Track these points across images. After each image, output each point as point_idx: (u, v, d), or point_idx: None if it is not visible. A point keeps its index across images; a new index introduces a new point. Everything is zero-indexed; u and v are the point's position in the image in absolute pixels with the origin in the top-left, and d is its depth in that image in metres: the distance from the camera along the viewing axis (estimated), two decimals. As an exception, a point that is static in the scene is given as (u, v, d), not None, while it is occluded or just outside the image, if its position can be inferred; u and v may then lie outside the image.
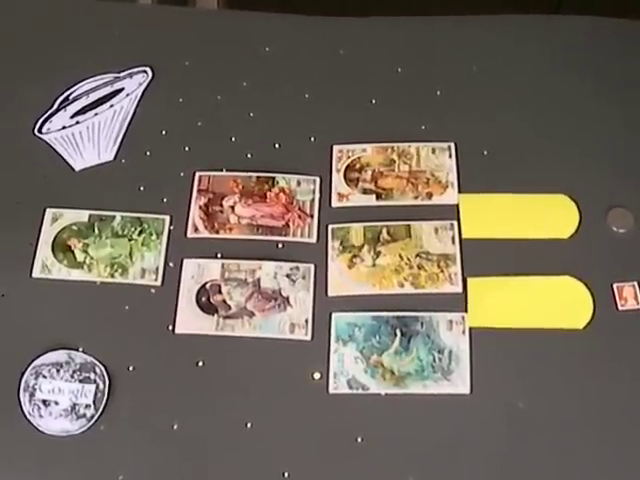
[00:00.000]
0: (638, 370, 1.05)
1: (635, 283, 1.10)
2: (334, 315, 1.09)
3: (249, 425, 1.03)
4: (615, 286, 1.10)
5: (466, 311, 1.08)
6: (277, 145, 1.20)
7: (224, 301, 1.10)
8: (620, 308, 1.09)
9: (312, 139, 1.21)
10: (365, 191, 1.17)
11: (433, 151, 1.19)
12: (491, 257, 1.11)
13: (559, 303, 1.09)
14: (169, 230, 1.14)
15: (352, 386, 1.05)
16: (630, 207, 1.14)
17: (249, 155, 1.20)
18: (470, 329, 1.07)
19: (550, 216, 1.14)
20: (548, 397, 1.04)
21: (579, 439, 1.02)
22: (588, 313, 1.08)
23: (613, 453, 1.01)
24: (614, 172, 1.17)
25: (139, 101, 1.24)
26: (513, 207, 1.15)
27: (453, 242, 1.12)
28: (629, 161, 1.18)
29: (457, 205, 1.15)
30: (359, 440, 1.02)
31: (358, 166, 1.18)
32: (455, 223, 1.13)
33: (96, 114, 1.23)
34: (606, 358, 1.06)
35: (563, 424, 1.03)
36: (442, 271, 1.10)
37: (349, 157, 1.19)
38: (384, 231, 1.13)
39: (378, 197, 1.16)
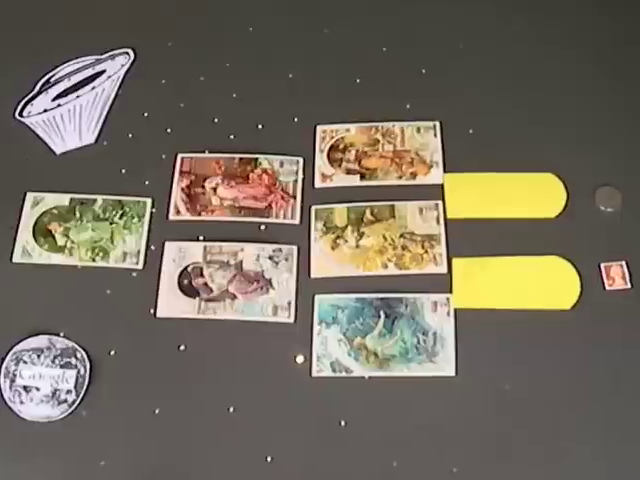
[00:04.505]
0: (625, 350, 1.04)
1: (623, 263, 1.08)
2: (317, 297, 1.07)
3: (231, 409, 1.02)
4: (602, 266, 1.08)
5: (451, 292, 1.07)
6: (260, 126, 1.19)
7: (206, 284, 1.08)
8: (607, 288, 1.07)
9: (296, 119, 1.19)
10: (349, 171, 1.15)
11: (418, 130, 1.17)
12: (477, 237, 1.10)
13: (546, 283, 1.07)
14: (151, 213, 1.13)
15: (335, 369, 1.03)
16: (618, 186, 1.12)
17: (232, 136, 1.18)
18: (455, 310, 1.06)
19: (536, 195, 1.12)
20: (535, 378, 1.03)
21: (567, 420, 1.01)
22: (575, 293, 1.07)
23: (601, 433, 1.00)
24: (602, 150, 1.15)
25: (121, 83, 1.23)
26: (499, 186, 1.12)
27: (438, 222, 1.10)
28: (617, 139, 1.16)
29: (442, 185, 1.13)
30: (342, 424, 1.01)
31: (342, 146, 1.16)
32: (440, 203, 1.12)
33: (78, 97, 1.21)
34: (594, 338, 1.04)
35: (550, 405, 1.02)
36: (426, 252, 1.09)
37: (333, 137, 1.17)
38: (368, 212, 1.11)
39: (362, 177, 1.14)
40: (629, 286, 1.07)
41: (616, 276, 1.08)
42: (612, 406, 1.01)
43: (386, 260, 1.09)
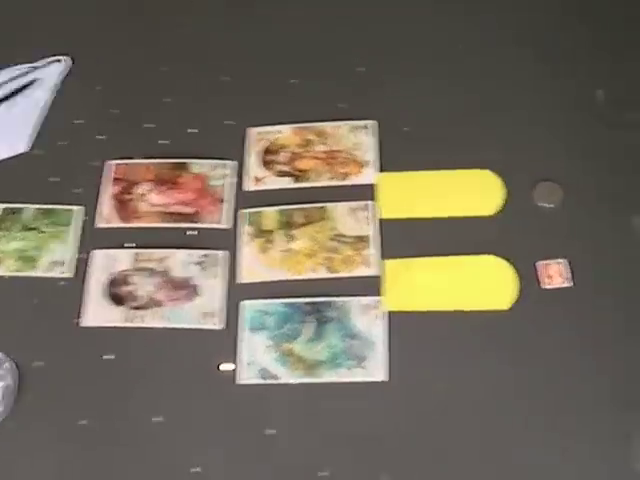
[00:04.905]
0: (564, 350, 0.99)
1: (562, 260, 1.04)
2: (244, 303, 1.04)
3: (158, 419, 0.99)
4: (541, 264, 1.04)
5: (383, 295, 1.03)
6: (193, 130, 1.16)
7: (133, 292, 1.06)
8: (546, 287, 1.03)
9: (229, 122, 1.16)
10: (281, 173, 1.12)
11: (352, 130, 1.13)
12: (411, 238, 1.06)
13: (482, 283, 1.04)
14: (83, 220, 1.11)
15: (263, 376, 1.00)
16: (559, 181, 1.08)
17: (164, 141, 1.16)
18: (389, 314, 1.02)
19: (473, 193, 1.08)
20: (471, 381, 0.99)
21: (505, 422, 0.97)
22: (513, 293, 1.03)
23: (538, 435, 0.96)
24: (541, 145, 1.11)
25: (56, 90, 1.21)
26: (434, 184, 1.09)
27: (369, 223, 1.07)
28: (558, 133, 1.12)
29: (375, 184, 1.10)
30: (269, 432, 0.98)
31: (275, 148, 1.13)
32: (371, 203, 1.08)
33: (12, 105, 1.19)
34: (532, 338, 1.00)
35: (487, 408, 0.98)
36: (358, 254, 1.06)
37: (266, 139, 1.14)
38: (298, 214, 1.08)
39: (296, 179, 1.11)
40: (569, 284, 1.03)
41: (555, 274, 1.03)
42: (550, 408, 0.97)
43: (316, 263, 1.05)
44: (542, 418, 0.97)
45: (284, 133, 1.14)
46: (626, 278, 1.03)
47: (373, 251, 1.05)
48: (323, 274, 1.05)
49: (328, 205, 1.08)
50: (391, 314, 1.02)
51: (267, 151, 1.13)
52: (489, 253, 1.05)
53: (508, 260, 1.04)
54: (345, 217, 1.07)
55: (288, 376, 1.00)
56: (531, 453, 0.95)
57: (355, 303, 1.02)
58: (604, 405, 0.97)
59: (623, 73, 1.17)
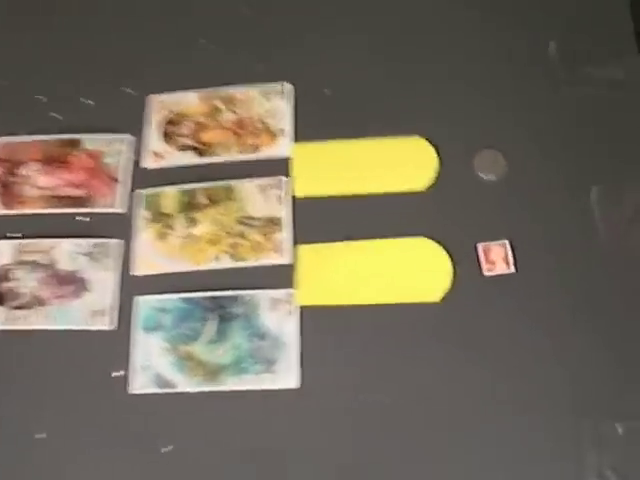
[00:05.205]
0: (506, 350, 0.86)
1: (506, 242, 0.90)
2: (138, 299, 0.91)
3: (41, 435, 0.87)
4: (480, 247, 0.90)
5: (296, 287, 0.90)
6: (88, 101, 1.01)
7: (15, 289, 0.92)
8: (486, 274, 0.89)
9: (129, 90, 1.01)
10: (183, 147, 0.97)
11: (264, 94, 0.98)
12: (330, 219, 0.92)
13: (412, 271, 0.89)
14: (-39, 208, 0.98)
15: (158, 384, 0.87)
16: (502, 149, 0.93)
17: (56, 115, 1.01)
18: (301, 309, 0.89)
19: (403, 164, 0.93)
20: (394, 387, 0.86)
21: (436, 430, 0.84)
22: (446, 282, 0.88)
23: (476, 441, 0.83)
24: (483, 107, 0.96)
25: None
26: (357, 156, 0.94)
27: (282, 202, 0.93)
28: (502, 93, 0.97)
29: (290, 157, 0.95)
30: (165, 449, 0.85)
31: (177, 119, 0.99)
32: (285, 179, 0.94)
33: None
34: (469, 335, 0.87)
35: (416, 416, 0.84)
36: (268, 239, 0.92)
37: (168, 109, 1.00)
38: (202, 194, 0.94)
39: (200, 154, 0.97)
40: (512, 271, 0.89)
41: (498, 259, 0.89)
42: (485, 415, 0.84)
43: (220, 251, 0.91)
44: (478, 425, 0.83)
45: (190, 101, 0.99)
46: (581, 260, 0.89)
47: (285, 235, 0.91)
48: (227, 264, 0.91)
49: (235, 183, 0.94)
50: (305, 309, 0.89)
51: (169, 122, 0.98)
52: (420, 235, 0.91)
53: (442, 243, 0.90)
54: (254, 196, 0.93)
55: (186, 384, 0.86)
56: (467, 465, 0.83)
57: (264, 297, 0.89)
58: (554, 401, 0.84)
59: (580, 22, 1.02)
